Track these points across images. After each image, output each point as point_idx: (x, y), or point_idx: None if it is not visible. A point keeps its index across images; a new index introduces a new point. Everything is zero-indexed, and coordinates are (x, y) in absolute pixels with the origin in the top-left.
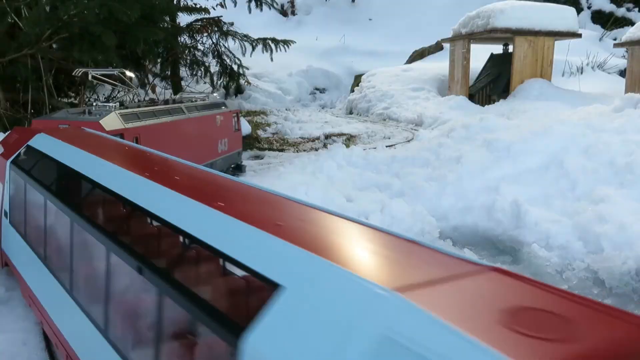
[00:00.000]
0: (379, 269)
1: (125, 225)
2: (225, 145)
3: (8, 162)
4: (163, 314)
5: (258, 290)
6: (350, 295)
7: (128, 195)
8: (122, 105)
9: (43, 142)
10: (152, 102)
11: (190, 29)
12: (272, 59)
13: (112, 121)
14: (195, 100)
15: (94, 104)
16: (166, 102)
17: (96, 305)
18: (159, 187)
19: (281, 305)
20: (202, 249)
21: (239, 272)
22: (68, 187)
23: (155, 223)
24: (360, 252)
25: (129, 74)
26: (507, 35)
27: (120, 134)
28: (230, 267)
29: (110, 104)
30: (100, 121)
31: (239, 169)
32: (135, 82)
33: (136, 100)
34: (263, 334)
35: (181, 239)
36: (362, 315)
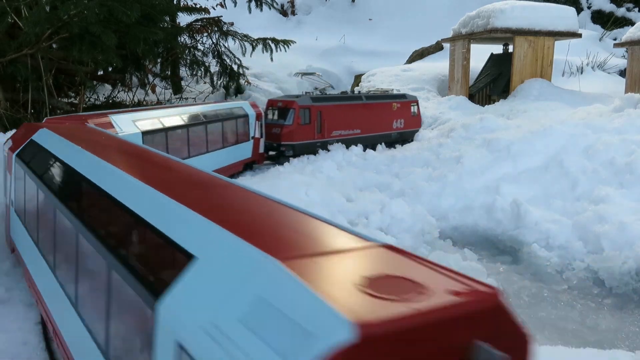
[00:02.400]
0: (273, 242)
1: (100, 214)
2: (401, 124)
3: (14, 155)
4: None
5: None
6: (238, 262)
7: (107, 188)
8: (323, 94)
9: (44, 137)
10: (344, 93)
11: (190, 29)
12: (272, 59)
13: (304, 101)
14: (385, 93)
15: (313, 92)
16: (353, 92)
17: (72, 285)
18: (129, 179)
19: (192, 272)
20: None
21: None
22: (60, 180)
23: (120, 208)
24: (265, 227)
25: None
26: (507, 35)
27: (308, 108)
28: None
29: (317, 91)
30: (296, 100)
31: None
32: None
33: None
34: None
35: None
36: (244, 280)
